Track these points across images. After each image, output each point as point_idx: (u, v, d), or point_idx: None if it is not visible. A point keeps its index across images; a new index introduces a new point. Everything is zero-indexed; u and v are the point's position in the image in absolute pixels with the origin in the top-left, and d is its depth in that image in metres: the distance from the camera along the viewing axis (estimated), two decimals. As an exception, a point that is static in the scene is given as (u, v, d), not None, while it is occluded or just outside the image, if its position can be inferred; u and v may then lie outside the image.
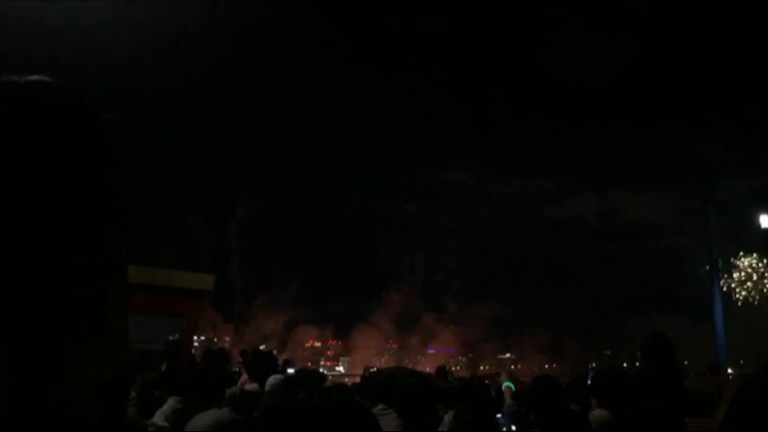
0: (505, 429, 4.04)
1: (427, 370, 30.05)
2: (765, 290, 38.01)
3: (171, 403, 4.95)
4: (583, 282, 64.11)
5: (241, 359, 13.93)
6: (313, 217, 68.73)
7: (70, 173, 0.75)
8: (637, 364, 5.84)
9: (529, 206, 76.37)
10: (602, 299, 61.16)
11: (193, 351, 17.36)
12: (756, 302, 40.94)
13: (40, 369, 0.69)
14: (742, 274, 42.38)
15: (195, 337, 25.01)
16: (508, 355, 64.63)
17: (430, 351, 59.18)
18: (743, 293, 41.69)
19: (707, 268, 38.80)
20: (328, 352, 60.68)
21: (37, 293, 0.69)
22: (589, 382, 4.86)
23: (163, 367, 9.17)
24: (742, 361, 38.84)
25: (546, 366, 57.57)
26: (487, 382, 12.49)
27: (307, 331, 55.59)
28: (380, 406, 4.56)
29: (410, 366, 39.72)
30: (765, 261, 38.68)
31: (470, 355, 61.84)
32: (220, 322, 50.99)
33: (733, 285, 39.20)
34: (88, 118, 0.81)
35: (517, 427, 4.02)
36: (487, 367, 54.25)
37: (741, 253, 41.63)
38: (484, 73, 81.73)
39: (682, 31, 68.28)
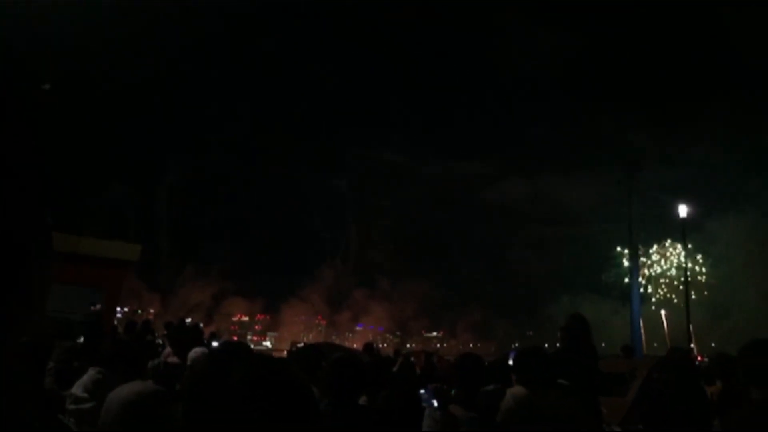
0: (426, 404, 4.13)
1: (355, 346, 30.28)
2: (680, 286, 39.89)
3: (91, 373, 4.83)
4: (514, 264, 65.69)
5: (165, 331, 13.71)
6: (248, 189, 67.68)
7: None
8: (558, 344, 6.05)
9: (462, 188, 77.41)
10: (532, 282, 62.83)
11: (115, 322, 16.96)
12: (672, 299, 42.91)
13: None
14: (660, 263, 44.23)
15: (118, 309, 24.37)
16: (434, 333, 65.77)
17: (358, 328, 59.64)
18: (659, 291, 43.67)
19: (623, 259, 40.52)
20: (256, 327, 60.11)
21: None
22: (510, 361, 5.02)
23: (81, 338, 8.94)
24: (656, 344, 40.67)
25: (471, 345, 58.81)
26: (413, 359, 12.74)
27: (236, 303, 54.72)
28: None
29: (338, 342, 39.89)
30: (678, 249, 40.58)
31: (398, 333, 62.61)
32: (145, 293, 49.77)
33: (644, 281, 40.95)
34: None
35: (438, 402, 4.12)
36: (414, 345, 55.10)
37: (667, 242, 43.37)
38: (424, 58, 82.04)
39: (613, 31, 70.36)
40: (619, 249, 43.16)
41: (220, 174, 64.19)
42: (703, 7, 61.31)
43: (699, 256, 42.34)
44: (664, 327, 41.89)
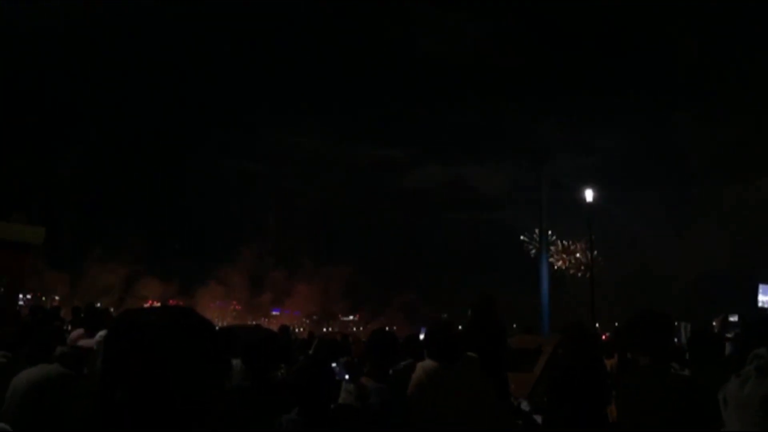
0: (339, 377, 4.24)
1: (271, 330, 29.95)
2: (578, 261, 41.86)
3: (-6, 357, 4.69)
4: (435, 249, 66.51)
5: (72, 316, 13.27)
6: (163, 168, 65.39)
7: None
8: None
9: (379, 173, 77.77)
10: (452, 266, 63.70)
11: (17, 309, 16.17)
12: (572, 272, 44.98)
13: None
14: (560, 244, 46.24)
15: (21, 296, 23.17)
16: (351, 317, 66.05)
17: (274, 313, 59.15)
18: (559, 263, 45.67)
19: (531, 243, 42.17)
20: (169, 312, 58.14)
21: None
22: (421, 336, 5.18)
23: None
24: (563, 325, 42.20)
25: (387, 329, 58.92)
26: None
27: (149, 286, 52.56)
28: (220, 359, 4.56)
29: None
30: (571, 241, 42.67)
31: (314, 317, 62.50)
32: (51, 275, 47.10)
33: (551, 259, 42.68)
34: None
35: (350, 376, 4.24)
36: (331, 329, 55.14)
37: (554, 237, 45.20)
38: (340, 41, 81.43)
39: (526, 19, 72.30)
40: (522, 237, 44.93)
41: (133, 152, 61.89)
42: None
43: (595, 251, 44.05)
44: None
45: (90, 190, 51.93)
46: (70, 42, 53.75)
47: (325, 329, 55.76)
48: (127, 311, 1.26)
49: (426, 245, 67.96)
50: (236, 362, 4.04)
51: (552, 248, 42.13)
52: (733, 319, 11.88)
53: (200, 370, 1.11)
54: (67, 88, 56.57)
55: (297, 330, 42.10)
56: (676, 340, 10.65)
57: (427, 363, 4.07)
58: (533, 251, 43.53)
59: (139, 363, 1.09)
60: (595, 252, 37.46)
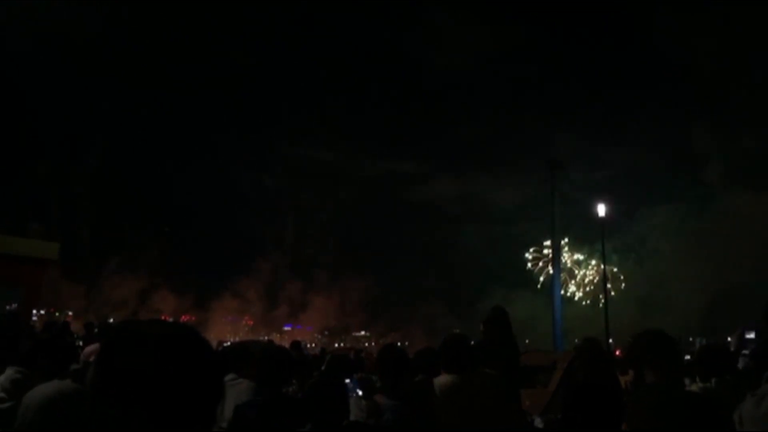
0: (352, 394, 4.23)
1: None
2: (590, 287, 41.65)
3: (9, 373, 4.70)
4: (449, 262, 66.18)
5: (85, 332, 13.33)
6: (179, 181, 65.70)
7: None
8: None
9: (393, 188, 77.70)
10: (466, 279, 63.35)
11: (32, 324, 16.27)
12: (584, 300, 44.63)
13: None
14: (570, 265, 45.85)
15: (34, 311, 23.26)
16: (363, 332, 65.79)
17: (286, 328, 59.01)
18: (572, 289, 45.38)
19: (538, 260, 41.92)
20: (181, 328, 57.88)
21: None
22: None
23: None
24: (577, 340, 41.85)
25: (399, 344, 58.53)
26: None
27: (164, 299, 52.28)
28: (231, 376, 4.57)
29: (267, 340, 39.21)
30: (585, 255, 42.40)
31: (326, 333, 62.33)
32: (66, 288, 46.96)
33: (562, 279, 42.45)
34: None
35: (363, 392, 4.23)
36: (343, 345, 54.90)
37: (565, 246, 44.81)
38: (354, 55, 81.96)
39: (539, 31, 72.49)
40: (527, 256, 44.68)
41: (147, 166, 62.32)
42: (625, 7, 64.00)
43: (615, 261, 43.51)
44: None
45: (106, 202, 52.12)
46: (88, 53, 54.35)
47: (337, 344, 55.51)
48: (125, 323, 1.27)
49: (441, 259, 67.72)
50: (248, 381, 4.06)
51: (563, 274, 41.80)
52: (750, 336, 11.73)
53: (193, 386, 1.12)
54: (85, 100, 57.08)
55: (309, 345, 41.99)
56: (688, 357, 10.54)
57: (441, 378, 4.06)
58: (543, 275, 43.31)
59: (130, 375, 1.10)
60: (615, 269, 37.13)
